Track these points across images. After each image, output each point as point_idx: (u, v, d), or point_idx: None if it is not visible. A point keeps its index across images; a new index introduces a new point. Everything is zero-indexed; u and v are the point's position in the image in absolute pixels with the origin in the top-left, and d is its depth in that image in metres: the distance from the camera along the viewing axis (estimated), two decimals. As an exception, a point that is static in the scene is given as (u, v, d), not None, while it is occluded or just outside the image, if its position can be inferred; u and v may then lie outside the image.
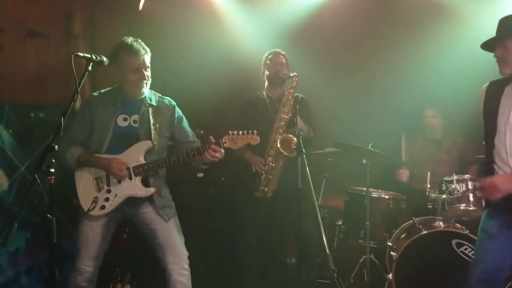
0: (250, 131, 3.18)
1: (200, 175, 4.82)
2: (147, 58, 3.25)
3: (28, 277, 3.99)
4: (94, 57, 2.78)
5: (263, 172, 4.02)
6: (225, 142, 3.15)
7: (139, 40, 3.28)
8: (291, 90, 4.03)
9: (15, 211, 3.80)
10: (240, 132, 3.17)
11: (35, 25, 4.39)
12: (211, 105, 4.91)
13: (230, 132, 3.17)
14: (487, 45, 3.04)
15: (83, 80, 2.71)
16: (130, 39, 3.26)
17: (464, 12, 4.88)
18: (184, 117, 3.47)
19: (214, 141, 3.14)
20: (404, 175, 4.60)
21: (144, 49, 3.25)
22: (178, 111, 3.44)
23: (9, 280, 3.87)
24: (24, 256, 3.96)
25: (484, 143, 3.10)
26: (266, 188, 4.02)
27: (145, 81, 3.25)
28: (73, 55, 2.65)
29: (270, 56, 4.23)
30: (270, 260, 4.47)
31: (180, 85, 4.74)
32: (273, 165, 4.01)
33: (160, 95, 3.44)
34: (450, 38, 4.98)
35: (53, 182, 2.48)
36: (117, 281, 4.08)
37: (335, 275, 3.51)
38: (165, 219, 3.28)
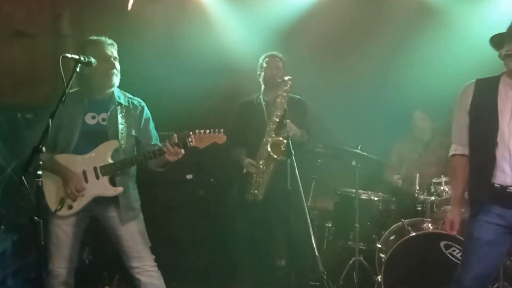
0: (217, 130, 3.17)
1: (189, 176, 4.81)
2: (114, 50, 3.28)
3: (15, 279, 3.95)
4: (82, 58, 2.77)
5: (254, 175, 4.01)
6: (192, 141, 3.13)
7: (103, 36, 3.30)
8: (284, 94, 3.96)
9: (2, 212, 3.75)
10: (207, 131, 3.15)
11: (22, 25, 4.36)
12: (201, 105, 4.89)
13: (196, 131, 3.15)
14: (498, 40, 2.95)
15: (71, 81, 2.69)
16: (94, 36, 3.30)
17: (452, 13, 4.92)
18: (151, 119, 3.45)
19: (176, 141, 3.11)
20: (399, 181, 4.65)
21: (109, 40, 3.28)
22: (147, 112, 3.43)
23: (-4, 282, 3.84)
24: (11, 258, 3.92)
25: (470, 142, 3.03)
26: (256, 191, 4.00)
27: (115, 71, 3.25)
28: (61, 56, 2.63)
29: (266, 59, 4.19)
30: (260, 262, 4.45)
31: (169, 85, 4.73)
32: (264, 168, 3.99)
33: (130, 96, 3.42)
34: (438, 39, 5.01)
35: (40, 184, 2.45)
36: (104, 284, 4.05)
37: (325, 277, 3.52)
38: (122, 221, 3.24)
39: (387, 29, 5.09)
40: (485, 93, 2.98)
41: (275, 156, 3.91)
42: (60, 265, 3.19)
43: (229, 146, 4.11)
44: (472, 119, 3.01)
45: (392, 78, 5.02)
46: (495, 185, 2.87)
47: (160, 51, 4.98)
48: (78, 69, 2.75)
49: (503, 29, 2.96)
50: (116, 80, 3.28)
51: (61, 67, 2.58)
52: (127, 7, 4.99)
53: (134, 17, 5.00)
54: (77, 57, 2.75)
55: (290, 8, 5.16)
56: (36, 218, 2.43)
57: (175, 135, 3.15)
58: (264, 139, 3.97)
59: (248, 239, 4.20)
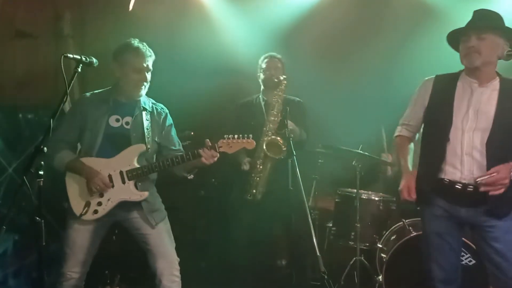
0: (246, 136, 3.19)
1: (191, 176, 4.79)
2: (150, 61, 3.28)
3: (16, 279, 3.95)
4: (83, 58, 2.77)
5: (253, 174, 4.01)
6: (221, 146, 3.16)
7: (145, 44, 3.31)
8: (280, 93, 4.00)
9: (3, 213, 3.76)
10: (236, 136, 3.17)
11: (24, 25, 4.37)
12: (202, 106, 4.89)
13: (225, 136, 3.17)
14: (454, 38, 3.02)
15: (73, 81, 2.70)
16: (137, 41, 3.29)
17: (454, 13, 4.91)
18: (173, 125, 3.47)
19: (210, 144, 3.15)
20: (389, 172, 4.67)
21: (149, 52, 3.29)
22: (169, 119, 3.45)
23: (-3, 282, 3.85)
24: (12, 258, 3.92)
25: (423, 136, 3.13)
26: (255, 191, 4.01)
27: (145, 83, 3.27)
28: (62, 56, 2.63)
29: (265, 60, 4.22)
30: (260, 262, 4.46)
31: (170, 86, 4.72)
32: (261, 167, 4.00)
33: (154, 101, 3.43)
34: (440, 39, 4.99)
35: (42, 184, 2.45)
36: (106, 284, 4.06)
37: (325, 277, 3.52)
38: (152, 224, 3.24)
39: (389, 29, 5.10)
40: (443, 89, 3.03)
41: (271, 155, 3.92)
42: (74, 269, 3.15)
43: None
44: (428, 114, 3.08)
45: (393, 78, 5.02)
46: (444, 180, 2.93)
47: (161, 51, 4.94)
48: (79, 69, 2.75)
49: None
50: (144, 91, 3.30)
51: (62, 67, 2.58)
52: (128, 7, 4.99)
53: (135, 17, 4.99)
54: (78, 57, 2.75)
55: (291, 9, 5.17)
56: (37, 218, 2.43)
57: (207, 140, 3.17)
58: (261, 139, 3.99)
59: (249, 239, 4.19)
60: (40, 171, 2.45)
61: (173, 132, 3.46)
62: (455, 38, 3.03)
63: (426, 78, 3.16)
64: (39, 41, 4.46)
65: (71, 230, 3.17)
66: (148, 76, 3.27)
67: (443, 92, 3.02)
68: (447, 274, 3.03)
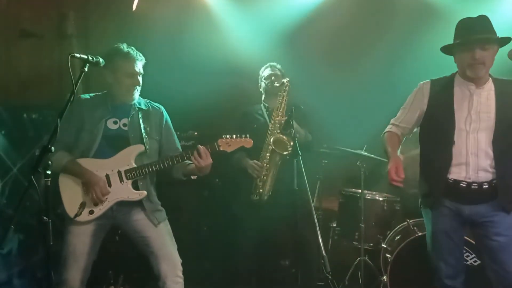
0: (244, 135, 3.28)
1: (194, 176, 4.80)
2: (141, 65, 3.31)
3: (21, 279, 3.94)
4: (90, 58, 2.77)
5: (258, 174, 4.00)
6: (220, 145, 3.23)
7: (133, 48, 3.32)
8: (284, 93, 4.03)
9: (8, 212, 3.76)
10: (234, 136, 3.26)
11: (28, 25, 4.37)
12: (206, 107, 4.88)
13: (223, 136, 3.25)
14: (448, 49, 3.12)
15: (79, 80, 2.69)
16: (125, 45, 3.30)
17: (457, 13, 4.90)
18: (171, 124, 3.49)
19: (209, 145, 3.21)
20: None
21: (140, 56, 3.31)
22: (166, 116, 3.48)
23: (2, 282, 3.83)
24: (17, 258, 3.92)
25: (424, 141, 3.22)
26: (261, 190, 4.00)
27: (138, 87, 3.30)
28: (69, 55, 2.63)
29: (265, 70, 4.29)
30: (265, 262, 4.45)
31: (174, 87, 4.72)
32: (268, 166, 4.00)
33: (149, 100, 3.46)
34: (444, 39, 5.00)
35: (49, 184, 2.44)
36: (110, 284, 4.05)
37: (329, 277, 3.51)
38: (155, 223, 3.25)
39: (392, 29, 5.09)
40: (441, 94, 3.12)
41: (278, 151, 3.91)
42: (76, 276, 3.11)
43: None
44: (428, 118, 3.16)
45: (397, 78, 5.01)
46: (449, 179, 3.03)
47: (164, 51, 4.97)
48: (86, 69, 2.75)
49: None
50: (137, 94, 3.33)
51: (69, 67, 2.58)
52: (132, 7, 4.99)
53: (139, 17, 5.00)
54: (85, 56, 2.75)
55: (295, 10, 5.17)
56: (45, 218, 2.42)
57: (198, 146, 3.22)
58: (267, 139, 3.99)
59: (253, 239, 4.19)
60: (47, 170, 2.44)
61: (172, 129, 3.49)
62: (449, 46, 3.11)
63: (422, 82, 3.24)
64: (43, 41, 4.46)
65: (70, 235, 3.13)
66: (140, 80, 3.30)
67: (442, 97, 3.11)
68: (454, 269, 3.14)
